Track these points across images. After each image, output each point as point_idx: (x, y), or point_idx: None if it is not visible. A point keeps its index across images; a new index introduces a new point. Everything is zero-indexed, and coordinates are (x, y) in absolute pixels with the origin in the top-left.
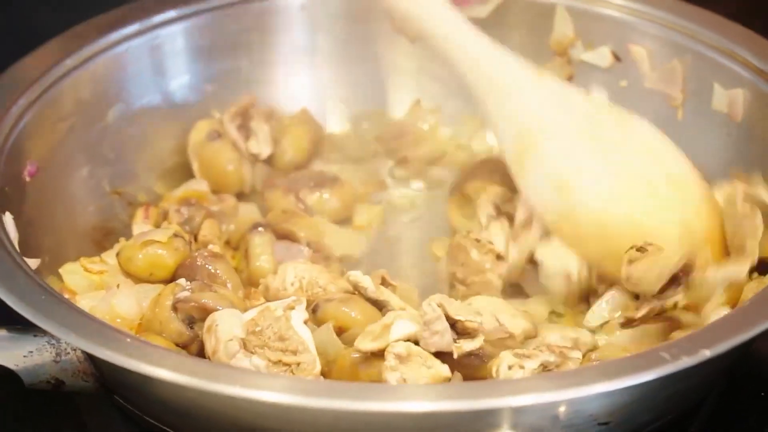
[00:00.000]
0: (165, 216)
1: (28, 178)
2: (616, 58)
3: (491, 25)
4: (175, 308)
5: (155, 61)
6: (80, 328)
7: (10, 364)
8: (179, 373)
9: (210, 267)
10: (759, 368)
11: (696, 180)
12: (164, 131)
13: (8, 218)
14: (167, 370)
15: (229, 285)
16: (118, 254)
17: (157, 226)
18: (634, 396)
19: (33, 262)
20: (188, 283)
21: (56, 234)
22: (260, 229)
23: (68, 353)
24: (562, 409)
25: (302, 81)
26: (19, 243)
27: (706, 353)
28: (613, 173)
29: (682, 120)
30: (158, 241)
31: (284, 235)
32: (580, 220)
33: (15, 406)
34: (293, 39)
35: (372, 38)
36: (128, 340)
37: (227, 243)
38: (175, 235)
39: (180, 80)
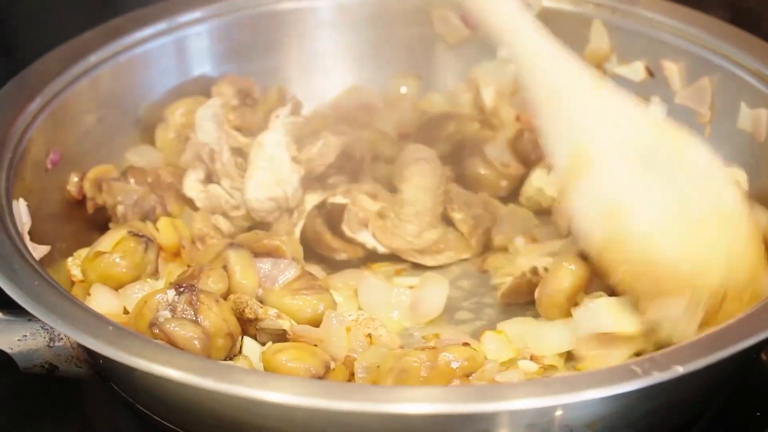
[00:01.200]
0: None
1: (49, 166)
2: (650, 73)
3: None
4: (152, 325)
5: (181, 59)
6: (66, 315)
7: (5, 347)
8: (159, 364)
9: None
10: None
11: (746, 216)
12: None
13: (21, 204)
14: (146, 361)
15: (207, 323)
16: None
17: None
18: (609, 408)
19: (42, 249)
20: (175, 297)
21: (72, 223)
22: (235, 245)
23: (61, 339)
24: (533, 417)
25: (334, 81)
26: (33, 229)
27: (679, 370)
28: (665, 203)
29: (710, 138)
30: (102, 252)
31: (266, 253)
32: (626, 249)
33: (12, 389)
34: (323, 41)
35: (403, 41)
36: (110, 328)
37: None
38: (129, 233)
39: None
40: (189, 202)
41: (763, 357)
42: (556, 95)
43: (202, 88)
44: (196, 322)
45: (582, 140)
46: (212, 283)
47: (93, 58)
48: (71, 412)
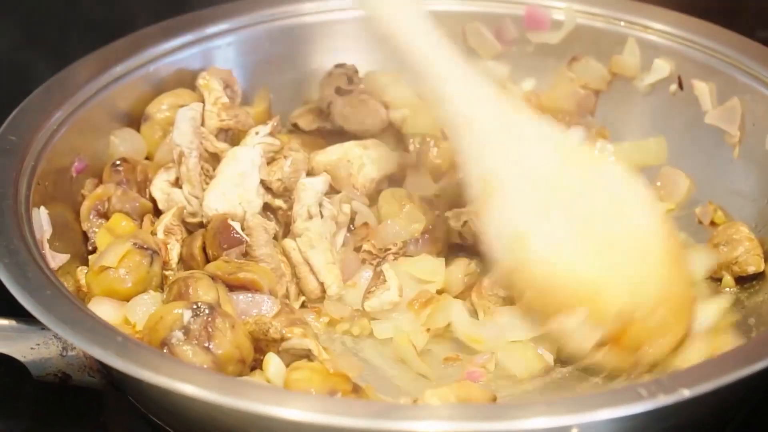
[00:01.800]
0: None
1: (74, 174)
2: (680, 86)
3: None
4: (163, 344)
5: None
6: (75, 325)
7: (19, 356)
8: (165, 376)
9: (214, 325)
10: None
11: (663, 238)
12: None
13: (42, 212)
14: (153, 373)
15: (219, 352)
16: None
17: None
18: (618, 429)
19: (62, 258)
20: (191, 318)
21: None
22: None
23: (74, 348)
24: None
25: None
26: (54, 238)
27: (685, 393)
28: (569, 228)
29: (738, 158)
30: (107, 267)
31: (241, 286)
32: (532, 272)
33: (28, 397)
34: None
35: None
36: (119, 339)
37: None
38: (134, 246)
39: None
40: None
41: None
42: (467, 120)
43: None
44: (208, 349)
45: (490, 165)
46: (203, 293)
47: (119, 69)
48: (86, 420)
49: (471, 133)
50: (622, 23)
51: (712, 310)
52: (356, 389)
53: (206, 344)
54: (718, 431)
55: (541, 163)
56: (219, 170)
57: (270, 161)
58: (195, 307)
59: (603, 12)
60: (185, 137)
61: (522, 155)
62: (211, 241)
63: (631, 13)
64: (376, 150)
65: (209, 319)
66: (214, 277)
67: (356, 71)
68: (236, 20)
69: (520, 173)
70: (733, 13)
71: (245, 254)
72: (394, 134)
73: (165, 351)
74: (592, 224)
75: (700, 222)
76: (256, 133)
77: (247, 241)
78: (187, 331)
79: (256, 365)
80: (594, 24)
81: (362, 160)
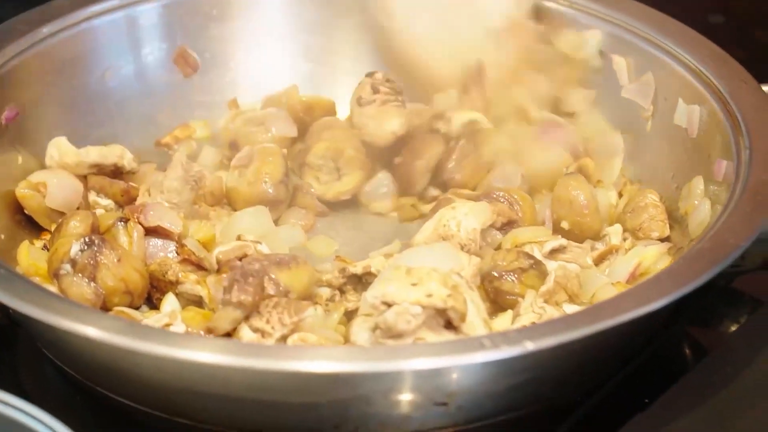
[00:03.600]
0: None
1: (4, 122)
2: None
3: None
4: (54, 275)
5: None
6: None
7: None
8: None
9: (97, 259)
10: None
11: None
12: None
13: None
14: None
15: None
16: None
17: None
18: (466, 380)
19: None
20: (78, 252)
21: None
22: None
23: None
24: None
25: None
26: None
27: (529, 346)
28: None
29: (650, 133)
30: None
31: (154, 231)
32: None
33: None
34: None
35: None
36: (1, 271)
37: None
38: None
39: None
40: None
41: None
42: None
43: None
44: (92, 281)
45: None
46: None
47: (58, 24)
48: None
49: None
50: None
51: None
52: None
53: (92, 276)
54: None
55: None
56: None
57: None
58: (84, 240)
59: None
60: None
61: None
62: None
63: None
64: (464, 205)
65: (95, 252)
66: (127, 219)
67: (388, 79)
68: None
69: None
70: None
71: None
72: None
73: (55, 282)
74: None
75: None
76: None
77: None
78: (74, 263)
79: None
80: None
81: (457, 219)
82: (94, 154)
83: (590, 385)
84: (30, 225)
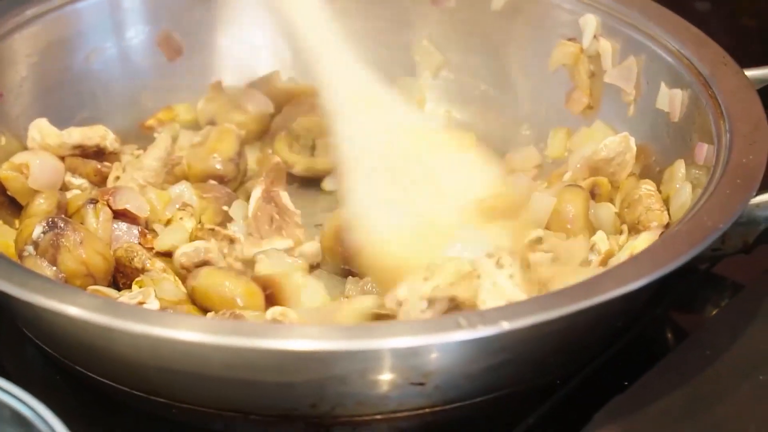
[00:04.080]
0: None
1: None
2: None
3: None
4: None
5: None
6: None
7: None
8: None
9: (59, 242)
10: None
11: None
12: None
13: None
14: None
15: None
16: None
17: None
18: (443, 359)
19: None
20: (41, 234)
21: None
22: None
23: None
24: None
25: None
26: None
27: (505, 325)
28: (406, 209)
29: (633, 117)
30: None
31: (122, 215)
32: (371, 252)
33: None
34: None
35: None
36: None
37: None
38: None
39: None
40: None
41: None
42: (330, 96)
43: None
44: (53, 264)
45: (343, 148)
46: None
47: (42, 6)
48: None
49: (332, 111)
50: None
51: None
52: None
53: (52, 258)
54: (564, 377)
55: (384, 145)
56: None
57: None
58: (47, 222)
59: None
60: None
61: (375, 132)
62: None
63: None
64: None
65: (56, 236)
66: (96, 201)
67: None
68: None
69: (363, 156)
70: None
71: None
72: None
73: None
74: (428, 211)
75: None
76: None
77: None
78: (36, 245)
79: (125, 287)
80: None
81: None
82: (76, 135)
83: (571, 367)
84: (12, 206)
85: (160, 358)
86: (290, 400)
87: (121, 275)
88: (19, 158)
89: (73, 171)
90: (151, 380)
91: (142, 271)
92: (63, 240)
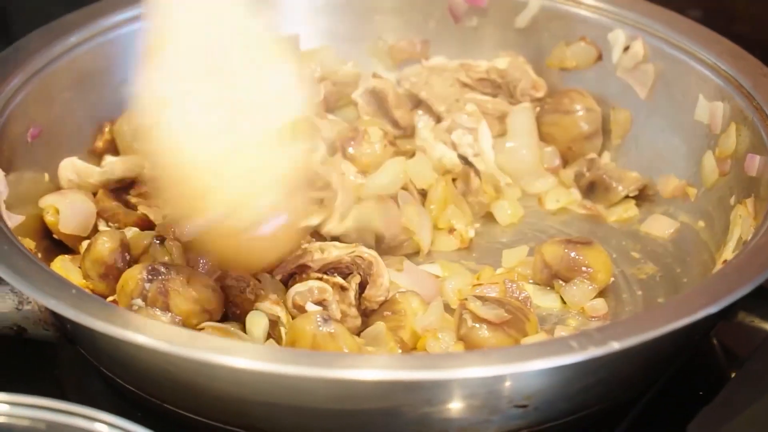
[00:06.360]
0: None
1: (29, 140)
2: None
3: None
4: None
5: None
6: (31, 277)
7: None
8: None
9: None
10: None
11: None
12: None
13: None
14: (104, 323)
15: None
16: None
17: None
18: (547, 382)
19: (17, 218)
20: (146, 285)
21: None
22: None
23: (29, 302)
24: (474, 387)
25: None
26: (10, 200)
27: (615, 345)
28: (212, 112)
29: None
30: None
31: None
32: (159, 142)
33: None
34: None
35: None
36: (73, 291)
37: None
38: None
39: None
40: None
41: (714, 341)
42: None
43: None
44: (166, 309)
45: (164, 22)
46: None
47: (73, 39)
48: (40, 373)
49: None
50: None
51: None
52: None
53: (164, 305)
54: (642, 391)
55: (213, 35)
56: None
57: None
58: (147, 271)
59: None
60: None
61: (198, 22)
62: None
63: None
64: None
65: (164, 279)
66: (163, 238)
67: None
68: None
69: (190, 39)
70: None
71: None
72: None
73: None
74: (234, 116)
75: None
76: None
77: None
78: (144, 297)
79: (236, 317)
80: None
81: None
82: (119, 169)
83: (652, 380)
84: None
85: (266, 393)
86: (396, 428)
87: (230, 305)
88: (45, 201)
89: (109, 219)
90: (247, 413)
91: (255, 301)
92: (170, 284)
